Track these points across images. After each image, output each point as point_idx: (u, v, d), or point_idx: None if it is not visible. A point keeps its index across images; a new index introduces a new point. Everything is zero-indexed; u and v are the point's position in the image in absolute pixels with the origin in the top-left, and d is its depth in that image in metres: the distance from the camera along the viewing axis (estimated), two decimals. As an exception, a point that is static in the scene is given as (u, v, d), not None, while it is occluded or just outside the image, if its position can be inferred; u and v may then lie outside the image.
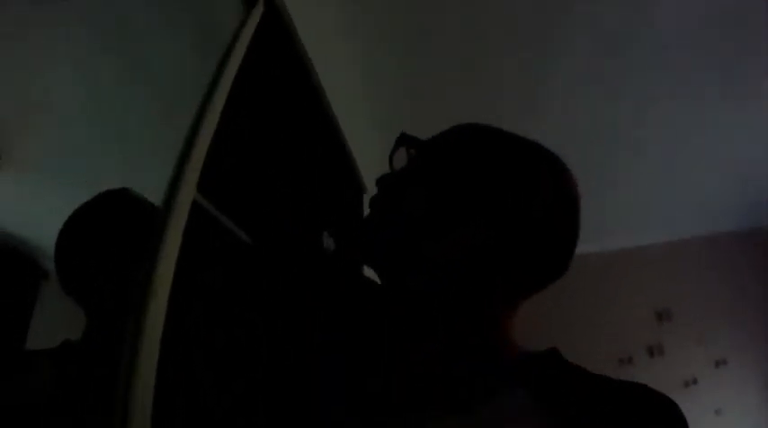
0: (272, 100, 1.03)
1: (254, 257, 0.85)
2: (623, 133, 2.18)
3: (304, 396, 0.83)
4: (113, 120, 0.65)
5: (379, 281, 0.57)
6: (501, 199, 0.50)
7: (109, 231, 0.60)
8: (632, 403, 0.41)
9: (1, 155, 0.53)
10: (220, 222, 0.75)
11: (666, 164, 2.46)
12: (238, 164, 0.84)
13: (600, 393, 0.42)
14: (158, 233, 0.53)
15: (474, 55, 1.65)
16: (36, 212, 0.60)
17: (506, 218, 0.49)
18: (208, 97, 0.65)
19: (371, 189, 0.59)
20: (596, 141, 2.16)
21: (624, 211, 2.89)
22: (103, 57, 0.64)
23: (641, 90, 1.90)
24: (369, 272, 0.62)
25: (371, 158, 1.62)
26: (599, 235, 2.81)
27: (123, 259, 0.59)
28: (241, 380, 0.76)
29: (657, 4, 1.51)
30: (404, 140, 0.57)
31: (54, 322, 0.57)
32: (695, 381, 3.00)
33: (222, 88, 0.68)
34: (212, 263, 0.72)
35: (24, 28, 0.55)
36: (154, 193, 0.60)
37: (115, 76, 0.66)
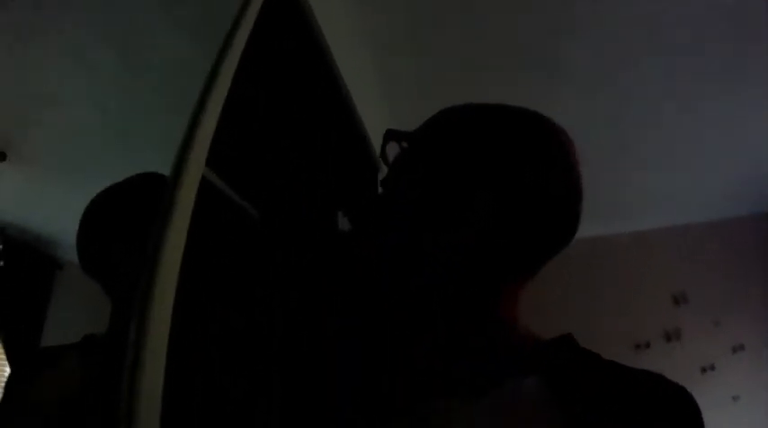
0: (285, 75, 1.00)
1: (267, 235, 0.84)
2: (632, 123, 2.14)
3: (320, 383, 0.83)
4: (119, 110, 0.64)
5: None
6: (517, 174, 0.47)
7: (135, 212, 0.58)
8: (646, 392, 0.39)
9: (8, 150, 0.52)
10: (231, 199, 0.74)
11: (682, 149, 2.40)
12: (249, 140, 0.82)
13: (614, 381, 0.41)
14: (166, 210, 0.52)
15: (493, 31, 1.60)
16: (47, 205, 0.59)
17: (524, 194, 0.47)
18: (216, 68, 0.63)
19: (385, 167, 0.57)
20: (609, 128, 2.12)
21: (639, 195, 2.84)
22: (105, 48, 0.63)
23: (652, 82, 1.86)
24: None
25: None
26: (613, 218, 2.76)
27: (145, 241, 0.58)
28: (256, 362, 0.75)
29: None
30: (391, 136, 0.54)
31: (70, 312, 0.57)
32: (713, 367, 2.97)
33: (230, 61, 0.66)
34: (224, 242, 0.72)
35: (26, 21, 0.53)
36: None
37: (117, 65, 0.64)
